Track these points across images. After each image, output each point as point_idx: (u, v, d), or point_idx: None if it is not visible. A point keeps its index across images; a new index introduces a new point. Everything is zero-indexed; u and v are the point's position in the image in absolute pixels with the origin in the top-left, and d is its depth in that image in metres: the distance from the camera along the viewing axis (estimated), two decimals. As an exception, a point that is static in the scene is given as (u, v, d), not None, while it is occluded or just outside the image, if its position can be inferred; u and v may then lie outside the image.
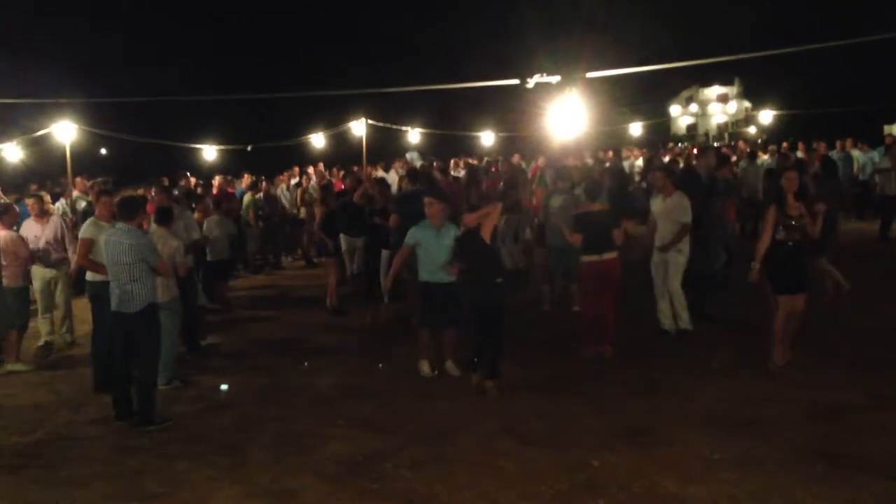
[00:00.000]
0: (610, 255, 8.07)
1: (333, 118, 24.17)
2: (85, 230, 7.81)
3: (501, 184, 12.43)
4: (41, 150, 17.69)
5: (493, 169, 17.44)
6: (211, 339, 9.55)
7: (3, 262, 8.64)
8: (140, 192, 10.47)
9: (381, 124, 24.13)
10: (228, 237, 11.86)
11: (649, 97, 52.88)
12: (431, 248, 7.59)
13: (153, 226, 8.36)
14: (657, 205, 8.82)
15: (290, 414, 6.90)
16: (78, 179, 13.92)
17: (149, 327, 6.71)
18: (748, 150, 19.62)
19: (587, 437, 6.04)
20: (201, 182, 16.51)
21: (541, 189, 10.99)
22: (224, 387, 7.79)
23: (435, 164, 17.88)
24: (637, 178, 17.84)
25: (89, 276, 7.78)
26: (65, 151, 13.95)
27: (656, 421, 6.28)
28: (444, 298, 7.60)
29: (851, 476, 5.17)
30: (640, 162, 20.38)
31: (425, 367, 7.78)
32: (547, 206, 10.14)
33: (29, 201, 9.84)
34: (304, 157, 23.52)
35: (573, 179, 10.69)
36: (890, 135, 19.51)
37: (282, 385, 7.80)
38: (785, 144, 22.04)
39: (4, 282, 8.62)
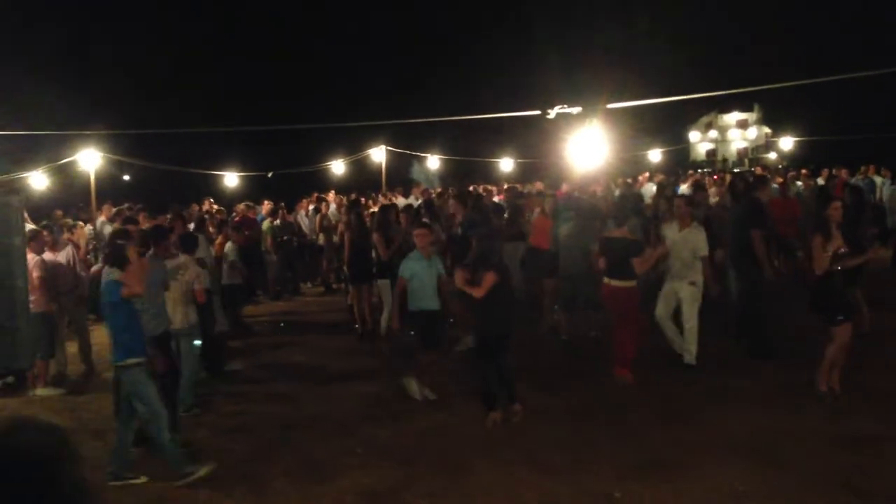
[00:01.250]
0: (621, 283, 8.05)
1: (353, 145, 24.38)
2: None
3: (505, 214, 12.37)
4: (66, 177, 17.94)
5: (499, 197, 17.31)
6: (231, 365, 9.57)
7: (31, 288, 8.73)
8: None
9: (400, 151, 24.31)
10: (245, 263, 11.93)
11: (668, 124, 53.01)
12: (423, 278, 7.86)
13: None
14: (673, 233, 8.72)
15: (309, 441, 6.89)
16: (105, 206, 14.10)
17: (162, 353, 6.81)
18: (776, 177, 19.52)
19: (608, 467, 5.97)
20: (222, 208, 16.65)
21: (542, 217, 10.92)
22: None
23: (450, 190, 17.94)
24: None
25: None
26: (89, 179, 14.14)
27: (679, 451, 6.21)
28: (434, 324, 7.93)
29: (879, 510, 5.08)
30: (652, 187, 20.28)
31: (426, 391, 7.91)
32: (557, 234, 10.15)
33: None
34: (324, 184, 23.67)
35: (581, 207, 10.70)
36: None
37: (301, 412, 7.79)
38: (804, 171, 21.91)
39: (32, 307, 8.71)
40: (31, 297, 8.64)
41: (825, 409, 6.97)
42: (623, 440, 6.52)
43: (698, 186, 13.80)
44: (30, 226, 10.59)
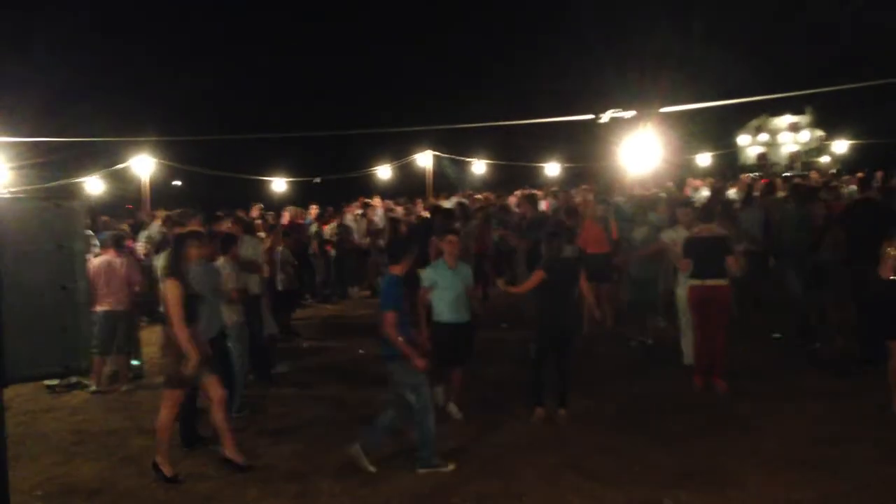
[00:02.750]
0: (717, 282, 7.87)
1: (400, 150, 24.55)
2: None
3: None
4: (122, 182, 18.40)
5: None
6: (280, 368, 9.70)
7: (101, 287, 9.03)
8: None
9: (446, 156, 24.40)
10: (295, 268, 12.10)
11: (720, 128, 52.29)
12: (446, 288, 7.39)
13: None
14: (679, 236, 8.70)
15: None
16: (158, 211, 14.41)
17: (217, 353, 6.90)
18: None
19: (655, 474, 5.92)
20: (271, 212, 16.90)
21: (591, 221, 10.85)
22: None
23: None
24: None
25: None
26: (143, 183, 14.48)
27: (727, 459, 6.13)
28: (461, 338, 7.48)
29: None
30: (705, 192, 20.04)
31: (453, 408, 7.63)
32: (630, 238, 10.10)
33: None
34: (370, 189, 23.89)
35: (648, 209, 10.67)
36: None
37: (347, 414, 7.86)
38: (859, 174, 21.41)
39: (101, 306, 9.01)
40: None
41: (880, 417, 6.81)
42: (668, 447, 6.46)
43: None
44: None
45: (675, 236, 8.76)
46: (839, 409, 7.16)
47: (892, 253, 6.74)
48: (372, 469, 6.20)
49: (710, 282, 7.89)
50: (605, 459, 6.28)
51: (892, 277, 6.73)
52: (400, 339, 6.18)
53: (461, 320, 7.44)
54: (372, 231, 16.39)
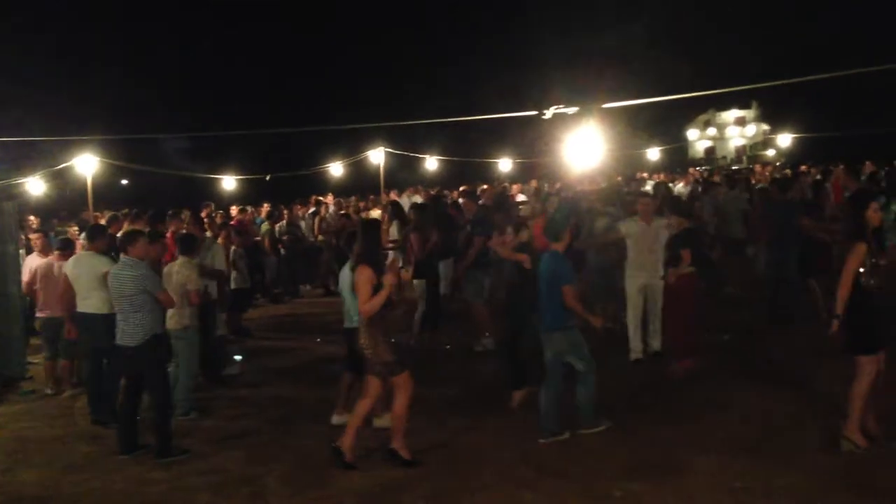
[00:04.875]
0: (678, 271, 8.17)
1: (351, 147, 24.38)
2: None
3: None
4: (64, 183, 17.94)
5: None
6: (230, 369, 9.54)
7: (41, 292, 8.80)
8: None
9: (398, 152, 24.30)
10: (247, 267, 11.95)
11: (666, 122, 53.07)
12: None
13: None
14: (632, 228, 8.78)
15: (308, 445, 6.87)
16: (101, 213, 14.07)
17: (153, 360, 6.75)
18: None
19: (608, 466, 5.96)
20: (220, 211, 16.64)
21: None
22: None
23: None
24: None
25: (81, 309, 7.85)
26: (87, 184, 14.13)
27: (678, 450, 6.18)
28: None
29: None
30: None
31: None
32: (591, 229, 10.13)
33: (33, 237, 9.90)
34: (322, 186, 23.67)
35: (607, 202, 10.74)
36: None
37: (300, 415, 7.76)
38: (803, 167, 21.92)
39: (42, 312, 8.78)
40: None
41: (827, 405, 6.93)
42: (621, 440, 6.50)
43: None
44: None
45: (633, 228, 8.80)
46: (795, 397, 7.25)
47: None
48: (566, 434, 6.55)
49: (675, 270, 8.16)
50: (561, 453, 6.30)
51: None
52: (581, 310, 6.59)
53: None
54: (325, 229, 16.23)
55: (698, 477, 5.66)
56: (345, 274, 7.17)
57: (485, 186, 19.32)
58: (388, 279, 6.05)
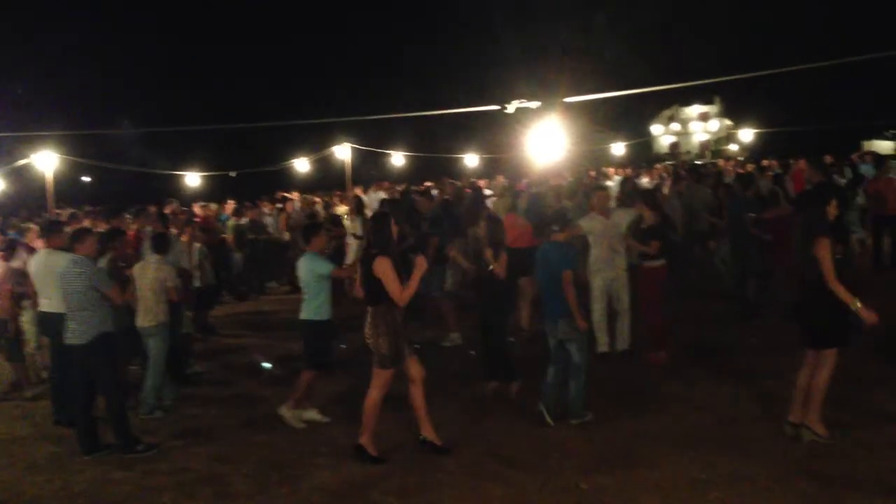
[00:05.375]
0: (650, 263, 8.43)
1: (317, 143, 24.27)
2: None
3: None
4: (23, 180, 17.63)
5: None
6: (196, 367, 9.45)
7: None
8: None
9: (364, 148, 24.24)
10: (212, 264, 11.82)
11: (630, 117, 53.55)
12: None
13: (149, 252, 8.33)
14: (592, 224, 8.83)
15: (274, 442, 6.84)
16: (61, 210, 13.86)
17: (103, 359, 6.67)
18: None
19: (573, 459, 6.01)
20: (185, 208, 16.44)
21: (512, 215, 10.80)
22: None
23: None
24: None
25: (42, 308, 7.77)
26: (46, 181, 13.90)
27: (643, 442, 6.26)
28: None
29: (843, 495, 5.16)
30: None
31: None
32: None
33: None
34: (288, 183, 23.53)
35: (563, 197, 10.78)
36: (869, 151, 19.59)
37: (266, 413, 7.70)
38: (766, 162, 22.21)
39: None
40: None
41: (785, 398, 7.03)
42: (586, 433, 6.56)
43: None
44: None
45: (593, 224, 8.84)
46: (760, 389, 7.35)
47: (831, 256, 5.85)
48: (551, 423, 6.72)
49: (645, 264, 8.42)
50: (526, 447, 6.34)
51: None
52: (573, 297, 6.69)
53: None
54: (291, 225, 16.13)
55: (663, 469, 5.74)
56: (301, 266, 7.24)
57: (452, 181, 19.35)
58: (420, 262, 6.17)
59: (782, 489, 5.30)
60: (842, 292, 5.72)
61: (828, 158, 19.06)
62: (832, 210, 6.19)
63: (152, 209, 12.46)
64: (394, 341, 6.12)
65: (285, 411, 7.25)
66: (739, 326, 9.66)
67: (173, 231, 10.77)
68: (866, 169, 16.82)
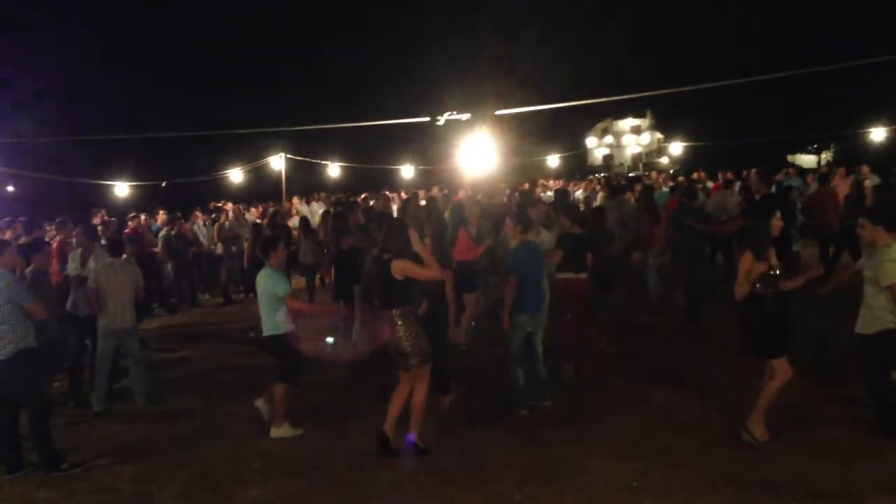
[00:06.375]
0: (577, 276, 8.24)
1: (252, 153, 23.96)
2: None
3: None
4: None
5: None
6: (124, 382, 9.18)
7: None
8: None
9: (300, 158, 24.04)
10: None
11: (565, 129, 54.38)
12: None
13: (107, 257, 8.58)
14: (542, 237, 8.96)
15: (205, 458, 6.69)
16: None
17: (24, 375, 6.44)
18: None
19: (509, 470, 6.02)
20: (113, 219, 15.99)
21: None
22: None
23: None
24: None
25: None
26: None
27: (577, 452, 6.31)
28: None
29: (765, 500, 5.29)
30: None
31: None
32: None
33: None
34: (221, 193, 23.15)
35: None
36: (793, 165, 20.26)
37: (197, 428, 7.56)
38: (696, 174, 22.75)
39: None
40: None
41: (716, 406, 7.21)
42: (521, 443, 6.59)
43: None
44: None
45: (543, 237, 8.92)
46: (696, 397, 7.48)
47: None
48: (525, 412, 7.26)
49: (574, 275, 8.25)
50: (461, 459, 6.32)
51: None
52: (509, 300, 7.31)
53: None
54: (224, 236, 15.86)
55: (597, 478, 5.80)
56: (260, 281, 7.16)
57: (388, 192, 19.32)
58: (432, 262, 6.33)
59: (710, 495, 5.41)
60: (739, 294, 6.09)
61: (729, 174, 19.33)
62: (777, 223, 6.33)
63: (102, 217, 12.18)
64: (426, 338, 6.37)
65: (275, 431, 7.14)
66: (672, 335, 9.86)
67: (101, 241, 10.50)
68: (792, 182, 17.46)
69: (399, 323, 6.26)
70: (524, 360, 7.46)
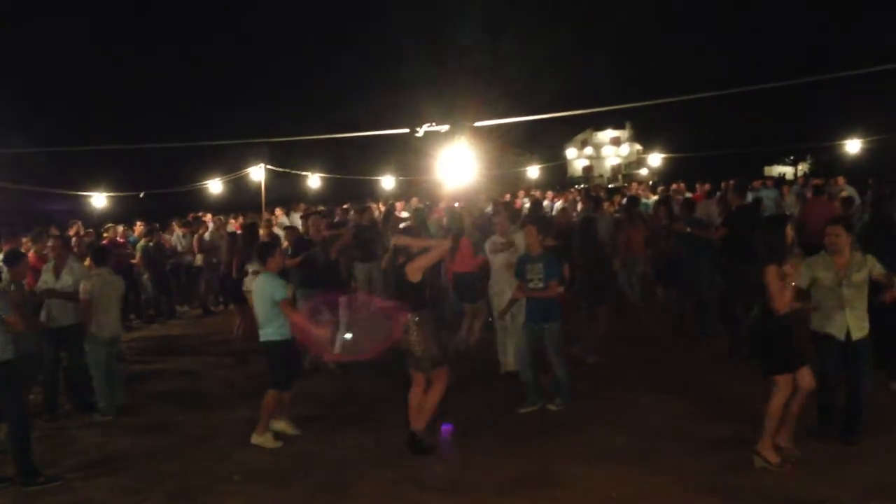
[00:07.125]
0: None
1: (231, 164, 23.85)
2: None
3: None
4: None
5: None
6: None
7: None
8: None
9: (280, 169, 23.97)
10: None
11: (544, 141, 54.67)
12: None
13: (82, 268, 8.64)
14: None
15: (185, 471, 6.63)
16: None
17: (2, 387, 6.35)
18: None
19: (489, 480, 6.02)
20: (91, 230, 15.84)
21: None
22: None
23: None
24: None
25: None
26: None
27: (557, 461, 6.32)
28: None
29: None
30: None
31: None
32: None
33: None
34: (200, 204, 23.01)
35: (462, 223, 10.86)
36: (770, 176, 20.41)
37: (176, 440, 7.49)
38: (675, 185, 22.88)
39: None
40: None
41: (697, 414, 7.25)
42: (502, 453, 6.58)
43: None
44: None
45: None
46: (668, 405, 7.53)
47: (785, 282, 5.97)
48: (524, 411, 7.48)
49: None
50: (444, 470, 6.33)
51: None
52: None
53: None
54: (203, 248, 15.75)
55: (576, 488, 5.81)
56: (257, 286, 7.19)
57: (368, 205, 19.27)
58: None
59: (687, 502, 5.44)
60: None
61: (707, 185, 19.40)
62: (790, 233, 6.29)
63: (54, 231, 12.02)
64: (438, 345, 6.59)
65: (256, 438, 7.08)
66: (658, 344, 9.94)
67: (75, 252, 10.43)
68: (767, 193, 17.58)
69: (413, 328, 6.48)
70: (534, 359, 7.57)
